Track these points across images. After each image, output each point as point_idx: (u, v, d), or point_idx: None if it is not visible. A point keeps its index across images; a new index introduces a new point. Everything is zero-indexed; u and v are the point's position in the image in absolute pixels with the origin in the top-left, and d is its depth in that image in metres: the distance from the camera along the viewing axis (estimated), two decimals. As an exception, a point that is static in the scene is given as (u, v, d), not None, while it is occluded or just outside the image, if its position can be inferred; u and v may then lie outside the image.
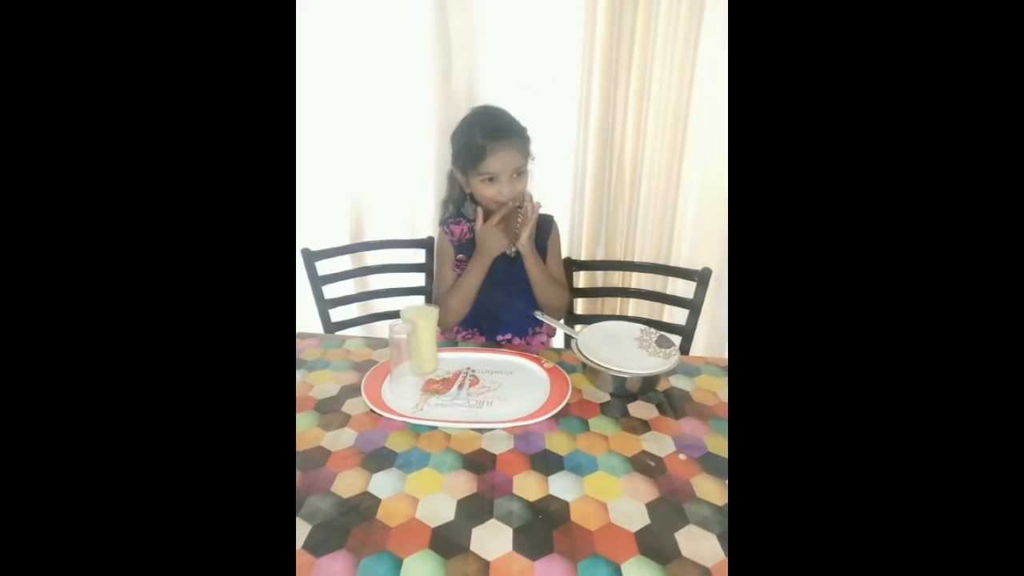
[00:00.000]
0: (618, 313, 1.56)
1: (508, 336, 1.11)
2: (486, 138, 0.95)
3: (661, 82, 1.35)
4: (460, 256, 1.08)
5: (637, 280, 1.54)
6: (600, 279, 1.55)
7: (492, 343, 1.09)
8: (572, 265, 1.30)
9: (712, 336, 1.57)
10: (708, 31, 1.30)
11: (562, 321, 1.08)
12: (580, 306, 1.48)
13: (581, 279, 1.49)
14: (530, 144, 1.01)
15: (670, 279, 1.36)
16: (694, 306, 1.22)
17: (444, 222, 1.11)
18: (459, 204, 1.08)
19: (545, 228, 1.12)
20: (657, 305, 1.44)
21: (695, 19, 1.29)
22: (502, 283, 1.06)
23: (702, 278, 1.20)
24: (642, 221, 1.49)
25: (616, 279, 1.53)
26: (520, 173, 0.99)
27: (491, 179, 0.98)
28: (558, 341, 1.20)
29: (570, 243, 1.54)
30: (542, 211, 1.10)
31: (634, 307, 1.57)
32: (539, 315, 1.04)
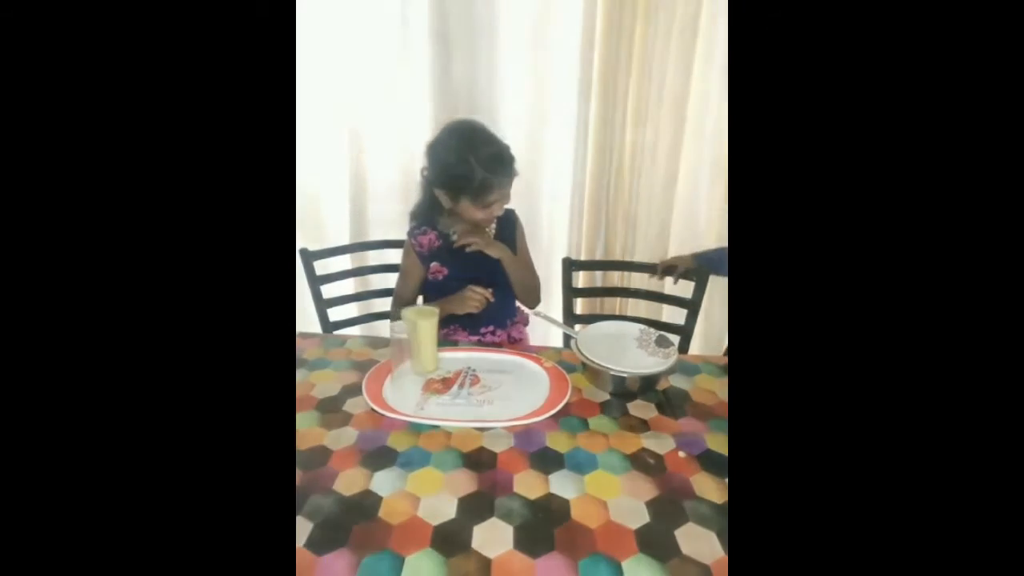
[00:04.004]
0: (617, 313, 1.56)
1: (491, 328, 1.12)
2: (489, 172, 0.94)
3: (661, 81, 1.36)
4: (434, 264, 1.08)
5: (638, 280, 1.54)
6: (599, 279, 1.55)
7: (476, 335, 1.11)
8: (572, 265, 1.31)
9: (708, 334, 1.58)
10: (706, 28, 1.31)
11: (561, 320, 1.09)
12: (580, 306, 1.48)
13: (580, 279, 1.50)
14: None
15: (668, 278, 1.36)
16: (692, 305, 1.23)
17: (411, 234, 1.09)
18: (429, 215, 1.07)
19: (511, 224, 1.14)
20: (656, 305, 1.45)
21: (692, 16, 1.30)
22: (480, 279, 1.07)
23: (700, 278, 1.21)
24: (642, 221, 1.50)
25: (615, 279, 1.54)
26: (508, 192, 1.00)
27: (487, 205, 0.98)
28: (556, 340, 1.20)
29: (569, 243, 1.55)
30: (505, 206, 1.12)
31: (633, 307, 1.58)
32: (539, 313, 1.05)
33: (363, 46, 1.36)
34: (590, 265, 1.40)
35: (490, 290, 1.02)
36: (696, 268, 1.20)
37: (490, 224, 1.07)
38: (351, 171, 1.48)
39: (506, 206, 1.09)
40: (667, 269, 1.22)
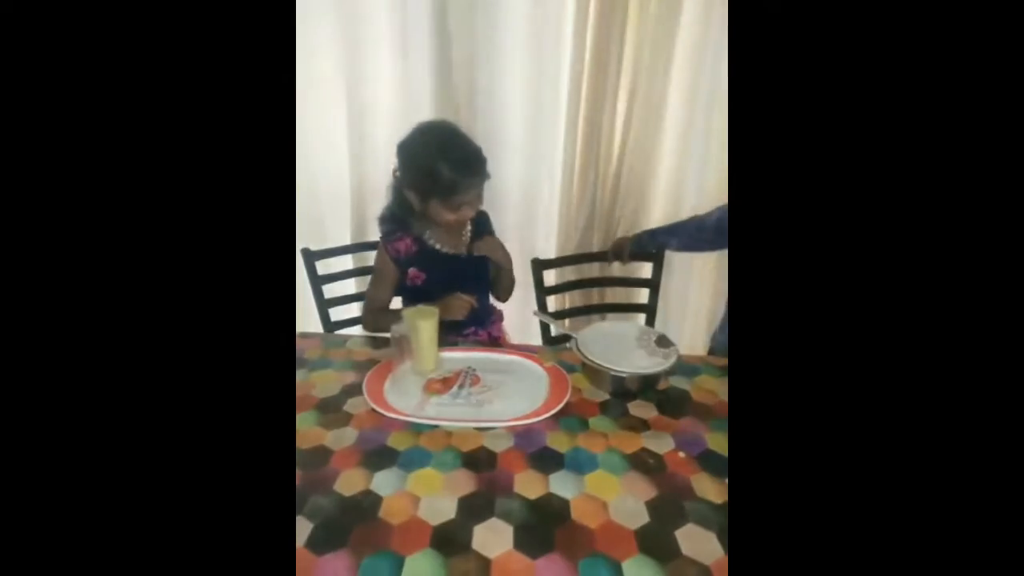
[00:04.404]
0: (595, 302, 1.59)
1: (473, 329, 1.13)
2: (458, 173, 0.93)
3: (648, 80, 1.37)
4: (412, 270, 1.07)
5: (621, 271, 1.57)
6: (572, 274, 1.58)
7: (459, 336, 1.11)
8: (541, 265, 1.38)
9: (710, 331, 1.59)
10: (702, 23, 1.32)
11: (564, 322, 1.10)
12: (567, 301, 1.54)
13: (569, 274, 1.53)
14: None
15: (647, 264, 1.46)
16: (653, 284, 1.41)
17: (386, 238, 1.06)
18: (400, 217, 1.05)
19: (486, 223, 1.16)
20: (634, 290, 1.53)
21: (674, 16, 1.31)
22: (457, 282, 1.07)
23: (656, 259, 1.38)
24: (619, 215, 1.54)
25: (595, 271, 1.57)
26: (479, 197, 1.00)
27: (456, 208, 0.97)
28: (534, 338, 1.23)
29: (559, 241, 1.56)
30: (511, 213, 1.18)
31: (610, 294, 1.62)
32: (537, 313, 1.06)
33: (364, 45, 1.35)
34: (557, 263, 1.45)
35: (475, 296, 1.02)
36: (638, 248, 1.35)
37: (462, 227, 1.08)
38: (352, 171, 1.48)
39: (480, 208, 1.09)
40: (616, 253, 1.36)
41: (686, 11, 1.30)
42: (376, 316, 1.08)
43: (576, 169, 1.47)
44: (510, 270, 1.12)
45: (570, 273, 1.51)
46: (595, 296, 1.62)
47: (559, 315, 1.45)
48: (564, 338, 1.32)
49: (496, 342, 1.15)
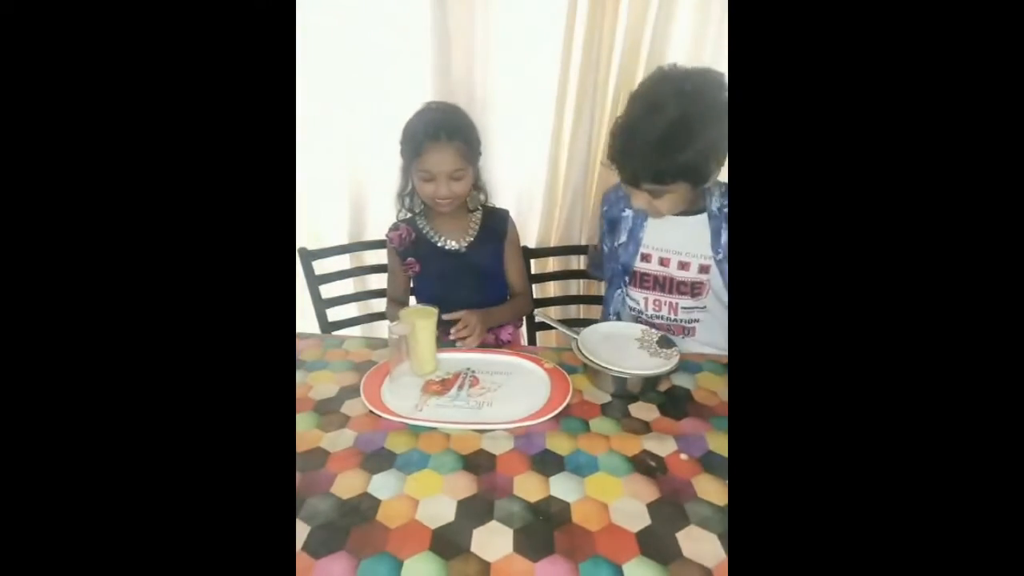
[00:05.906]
0: (582, 293, 1.59)
1: None
2: (425, 135, 0.94)
3: (641, 76, 1.37)
4: (409, 259, 1.09)
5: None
6: (554, 264, 1.58)
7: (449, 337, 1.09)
8: (528, 254, 1.37)
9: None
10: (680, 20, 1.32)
11: (549, 310, 1.09)
12: (551, 289, 1.55)
13: (551, 265, 1.55)
14: (473, 148, 0.99)
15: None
16: None
17: (388, 232, 1.11)
18: (411, 196, 1.08)
19: (501, 225, 1.12)
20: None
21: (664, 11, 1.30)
22: (453, 279, 1.07)
23: None
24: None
25: (582, 263, 1.57)
26: (458, 178, 0.98)
27: (428, 178, 0.97)
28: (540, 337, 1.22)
29: (543, 232, 1.57)
30: (497, 205, 1.13)
31: (593, 286, 1.60)
32: (540, 316, 1.05)
33: (363, 44, 1.35)
34: (542, 252, 1.45)
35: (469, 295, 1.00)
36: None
37: (445, 208, 1.02)
38: (350, 169, 1.48)
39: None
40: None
41: (683, 5, 1.30)
42: (391, 309, 1.10)
43: (563, 163, 1.47)
44: (511, 318, 1.10)
45: (552, 264, 1.52)
46: (574, 287, 1.61)
47: (542, 303, 1.45)
48: (544, 326, 1.34)
49: (506, 347, 1.12)
